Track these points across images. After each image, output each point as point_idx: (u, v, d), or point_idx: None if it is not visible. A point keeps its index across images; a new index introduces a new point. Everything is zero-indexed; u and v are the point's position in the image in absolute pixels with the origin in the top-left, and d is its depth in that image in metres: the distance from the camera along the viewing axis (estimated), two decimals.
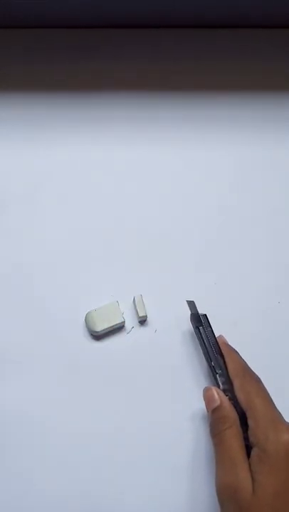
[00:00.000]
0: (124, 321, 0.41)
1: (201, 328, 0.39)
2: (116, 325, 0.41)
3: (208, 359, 0.38)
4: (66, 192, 0.47)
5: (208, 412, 0.36)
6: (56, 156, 0.48)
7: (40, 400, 0.40)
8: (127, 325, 0.42)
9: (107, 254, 0.44)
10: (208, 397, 0.36)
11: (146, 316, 0.41)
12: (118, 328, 0.42)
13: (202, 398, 0.36)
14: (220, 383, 0.36)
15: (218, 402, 0.35)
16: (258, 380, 0.36)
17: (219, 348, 0.38)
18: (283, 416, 0.34)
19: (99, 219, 0.46)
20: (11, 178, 0.47)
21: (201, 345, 0.39)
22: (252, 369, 0.37)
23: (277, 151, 0.48)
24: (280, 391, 0.36)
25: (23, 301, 0.42)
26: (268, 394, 0.35)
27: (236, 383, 0.36)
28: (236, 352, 0.38)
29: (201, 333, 0.39)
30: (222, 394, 0.36)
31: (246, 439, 0.34)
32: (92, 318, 0.41)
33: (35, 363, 0.41)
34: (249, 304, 0.43)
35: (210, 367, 0.38)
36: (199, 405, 0.39)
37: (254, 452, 0.33)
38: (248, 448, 0.33)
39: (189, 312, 0.40)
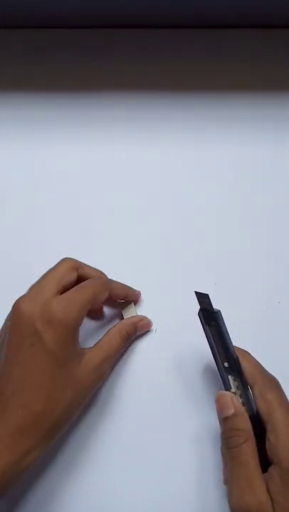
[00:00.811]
0: None
1: (214, 325, 0.35)
2: None
3: (221, 360, 0.35)
4: (66, 192, 0.47)
5: (219, 418, 0.33)
6: (56, 156, 0.48)
7: None
8: None
9: (107, 254, 0.44)
10: (221, 404, 0.33)
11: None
12: None
13: (204, 398, 0.36)
14: (232, 387, 0.34)
15: (232, 410, 0.32)
16: (277, 385, 0.34)
17: (234, 349, 0.35)
18: None
19: (99, 219, 0.46)
20: (10, 178, 0.47)
21: (211, 344, 0.35)
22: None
23: (278, 151, 0.48)
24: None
25: None
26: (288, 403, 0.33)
27: (255, 391, 0.33)
28: (249, 353, 0.36)
29: (213, 331, 0.35)
30: (237, 401, 0.33)
31: (259, 450, 0.32)
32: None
33: None
34: (249, 304, 0.43)
35: (221, 369, 0.35)
36: (201, 405, 0.39)
37: (274, 471, 0.30)
38: (264, 463, 0.31)
39: (197, 307, 0.35)
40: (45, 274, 0.37)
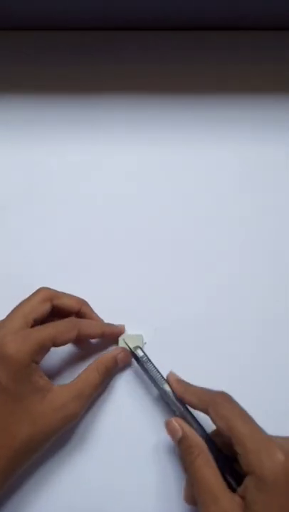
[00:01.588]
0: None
1: (142, 362, 0.38)
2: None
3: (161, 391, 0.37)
4: (66, 192, 0.47)
5: (176, 445, 0.35)
6: (56, 156, 0.48)
7: None
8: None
9: (107, 254, 0.44)
10: (170, 430, 0.35)
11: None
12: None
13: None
14: (175, 411, 0.36)
15: (180, 433, 0.34)
16: (227, 398, 0.34)
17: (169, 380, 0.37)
18: (282, 420, 0.33)
19: (99, 219, 0.46)
20: (11, 178, 0.47)
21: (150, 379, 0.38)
22: (217, 387, 0.35)
23: (278, 151, 0.47)
24: (280, 392, 0.36)
25: None
26: (244, 410, 0.33)
27: (211, 413, 0.33)
28: (188, 384, 0.37)
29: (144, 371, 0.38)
30: (183, 423, 0.34)
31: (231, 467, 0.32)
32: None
33: None
34: (249, 304, 0.43)
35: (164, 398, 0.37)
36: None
37: (250, 481, 0.30)
38: (241, 476, 0.31)
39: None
40: (16, 306, 0.37)
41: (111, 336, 0.40)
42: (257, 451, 0.30)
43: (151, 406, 0.40)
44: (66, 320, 0.38)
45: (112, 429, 0.40)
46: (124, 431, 0.39)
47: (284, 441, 0.31)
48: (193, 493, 0.32)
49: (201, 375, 0.37)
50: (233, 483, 0.32)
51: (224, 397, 0.34)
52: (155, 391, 0.39)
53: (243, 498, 0.30)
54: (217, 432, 0.34)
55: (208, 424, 0.34)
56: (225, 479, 0.32)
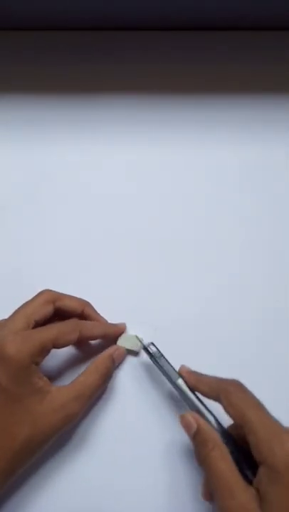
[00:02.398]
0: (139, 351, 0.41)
1: (156, 358, 0.38)
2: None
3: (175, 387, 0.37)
4: (66, 192, 0.47)
5: (191, 440, 0.34)
6: (56, 156, 0.48)
7: None
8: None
9: (107, 254, 0.44)
10: (184, 425, 0.34)
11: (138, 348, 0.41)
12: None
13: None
14: (190, 405, 0.35)
15: (195, 427, 0.33)
16: (239, 386, 0.34)
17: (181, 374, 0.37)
18: (282, 420, 0.32)
19: (99, 219, 0.46)
20: (11, 178, 0.47)
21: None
22: (230, 374, 0.35)
23: (278, 151, 0.47)
24: (280, 392, 0.36)
25: (24, 301, 0.42)
26: (257, 399, 0.33)
27: (223, 401, 0.33)
28: (201, 374, 0.36)
29: (159, 366, 0.37)
30: (197, 416, 0.34)
31: (246, 457, 0.31)
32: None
33: None
34: (249, 303, 0.43)
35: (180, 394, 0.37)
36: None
37: (261, 471, 0.30)
38: (254, 467, 0.31)
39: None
40: (18, 308, 0.37)
41: (113, 336, 0.41)
42: (268, 440, 0.30)
43: (152, 406, 0.40)
44: (68, 322, 0.38)
45: (112, 429, 0.39)
46: (124, 431, 0.39)
47: None
48: (210, 489, 0.32)
49: None
50: (251, 476, 0.32)
51: (237, 385, 0.34)
52: (157, 390, 0.39)
53: (257, 490, 0.30)
54: (235, 426, 0.34)
55: (226, 418, 0.33)
56: (242, 473, 0.31)
